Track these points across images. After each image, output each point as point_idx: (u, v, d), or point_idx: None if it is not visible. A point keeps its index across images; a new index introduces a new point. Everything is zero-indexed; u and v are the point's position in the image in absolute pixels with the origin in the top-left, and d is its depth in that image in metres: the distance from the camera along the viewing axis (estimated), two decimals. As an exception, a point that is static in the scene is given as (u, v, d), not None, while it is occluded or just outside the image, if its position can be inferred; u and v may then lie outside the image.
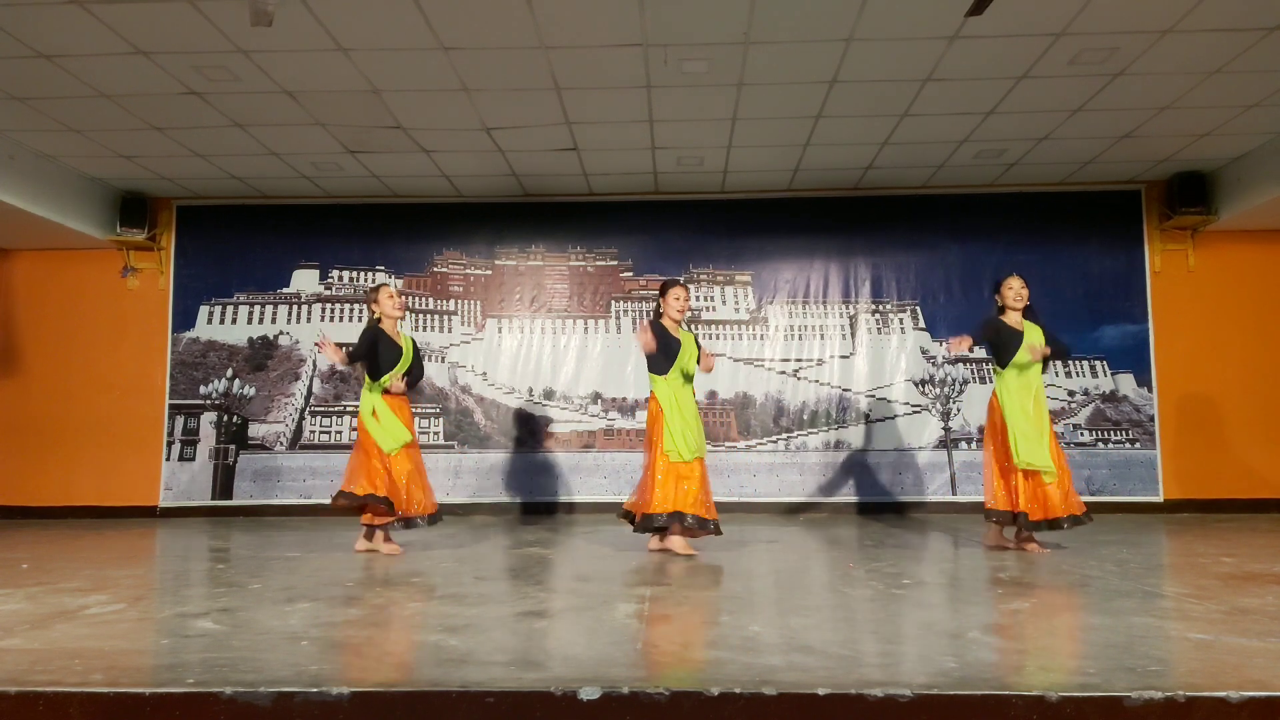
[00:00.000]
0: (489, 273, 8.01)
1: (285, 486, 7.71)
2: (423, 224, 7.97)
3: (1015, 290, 5.14)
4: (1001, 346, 5.11)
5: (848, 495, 7.61)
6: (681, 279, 5.28)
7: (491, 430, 7.83)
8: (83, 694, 2.17)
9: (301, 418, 7.82)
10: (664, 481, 4.82)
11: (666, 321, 5.07)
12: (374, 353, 5.12)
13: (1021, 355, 5.01)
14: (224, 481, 7.75)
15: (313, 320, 7.90)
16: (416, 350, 5.38)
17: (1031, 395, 5.03)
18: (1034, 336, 5.08)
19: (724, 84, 5.61)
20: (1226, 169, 7.19)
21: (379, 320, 5.20)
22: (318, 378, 7.86)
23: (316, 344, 5.19)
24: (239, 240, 7.97)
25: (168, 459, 7.79)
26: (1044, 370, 5.20)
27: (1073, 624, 3.21)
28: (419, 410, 7.73)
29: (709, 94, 5.77)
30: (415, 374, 5.36)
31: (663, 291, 5.14)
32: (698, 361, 5.08)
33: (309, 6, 4.58)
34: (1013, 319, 5.15)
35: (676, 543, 4.86)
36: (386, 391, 5.13)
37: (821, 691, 2.13)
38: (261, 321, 7.93)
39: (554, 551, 5.24)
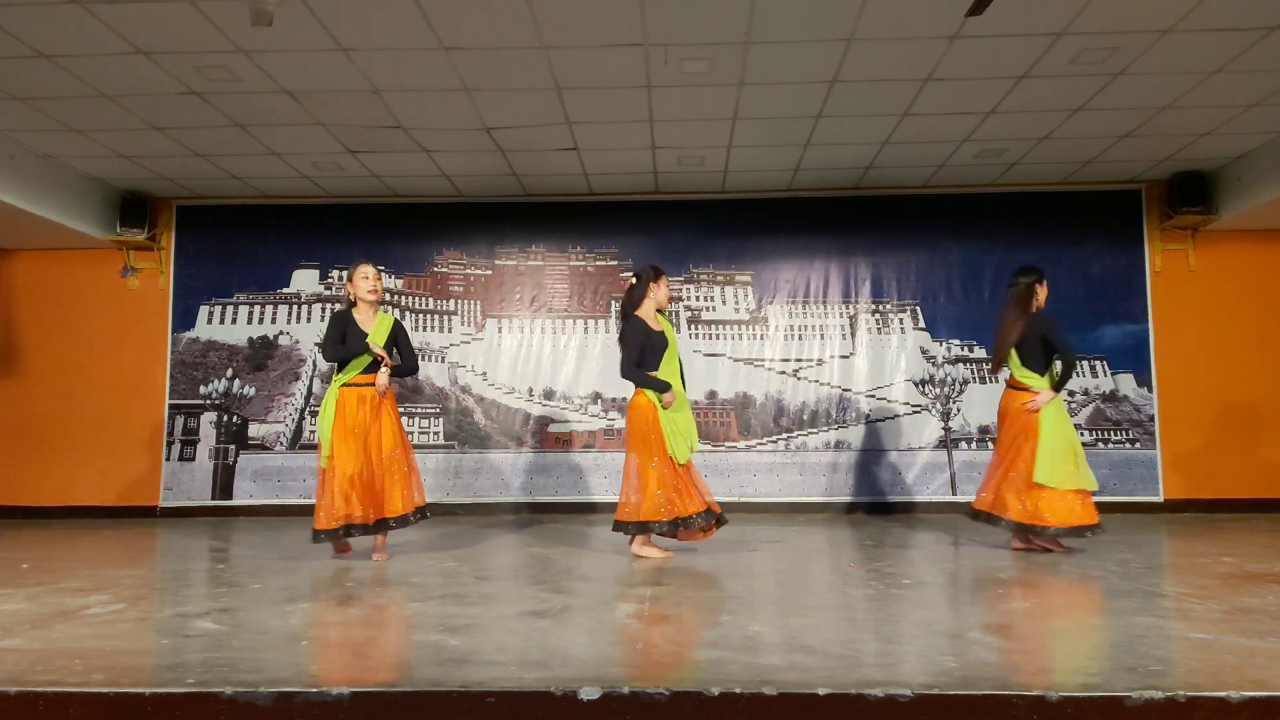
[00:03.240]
0: (489, 273, 8.01)
1: (285, 486, 7.71)
2: (423, 224, 7.97)
3: (1046, 292, 5.08)
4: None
5: (848, 495, 7.61)
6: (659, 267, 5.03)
7: (491, 430, 7.82)
8: (83, 694, 2.18)
9: (301, 418, 7.82)
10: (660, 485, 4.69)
11: (646, 315, 4.84)
12: (343, 341, 4.73)
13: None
14: (224, 481, 7.75)
15: (313, 320, 7.89)
16: (396, 335, 4.87)
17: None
18: None
19: (724, 84, 5.61)
20: (1227, 168, 7.19)
21: (353, 304, 4.85)
22: (318, 377, 7.86)
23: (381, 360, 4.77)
24: (239, 240, 7.97)
25: (168, 459, 7.79)
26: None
27: (1073, 624, 3.21)
28: (419, 410, 7.74)
29: (709, 94, 5.77)
30: (404, 365, 4.92)
31: (655, 278, 4.87)
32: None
33: (309, 6, 4.58)
34: None
35: (649, 549, 4.79)
36: (350, 385, 4.72)
37: (822, 691, 2.13)
38: (261, 321, 7.93)
39: (554, 551, 5.23)
